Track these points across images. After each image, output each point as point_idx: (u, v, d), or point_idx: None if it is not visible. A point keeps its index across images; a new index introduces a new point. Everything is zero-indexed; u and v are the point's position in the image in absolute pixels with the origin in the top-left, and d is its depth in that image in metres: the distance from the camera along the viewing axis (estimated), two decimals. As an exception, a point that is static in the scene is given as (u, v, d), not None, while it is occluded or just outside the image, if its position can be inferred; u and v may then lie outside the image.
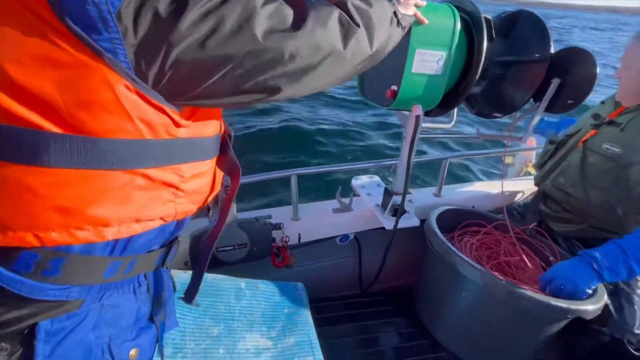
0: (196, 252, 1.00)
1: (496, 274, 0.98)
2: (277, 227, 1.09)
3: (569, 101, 0.97)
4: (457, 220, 1.25)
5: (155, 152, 0.39)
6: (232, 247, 1.00)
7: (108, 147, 0.36)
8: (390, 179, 1.68)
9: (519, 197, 1.62)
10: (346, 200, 1.28)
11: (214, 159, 0.51)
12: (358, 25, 0.47)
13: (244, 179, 1.12)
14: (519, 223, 1.25)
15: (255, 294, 0.87)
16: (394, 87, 0.89)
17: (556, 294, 0.93)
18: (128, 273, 0.45)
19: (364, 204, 1.30)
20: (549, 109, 1.00)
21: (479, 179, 1.60)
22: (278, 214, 1.16)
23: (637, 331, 0.98)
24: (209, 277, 0.83)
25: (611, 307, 1.00)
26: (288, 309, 0.88)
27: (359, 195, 1.35)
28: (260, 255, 1.10)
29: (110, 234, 0.40)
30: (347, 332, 1.18)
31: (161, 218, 0.45)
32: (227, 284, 0.84)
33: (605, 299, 0.95)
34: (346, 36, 0.45)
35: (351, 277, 1.45)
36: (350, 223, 1.29)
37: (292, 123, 4.16)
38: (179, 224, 0.51)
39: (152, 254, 0.48)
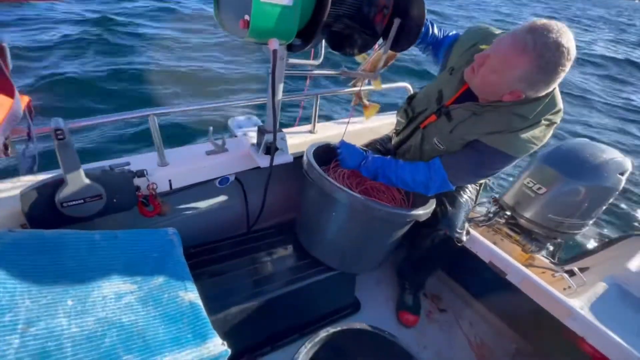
0: (34, 210, 0.86)
1: (360, 195, 1.15)
2: (140, 174, 1.01)
3: (402, 44, 1.10)
4: (331, 155, 1.37)
5: None
6: (82, 201, 0.89)
7: None
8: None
9: (386, 132, 1.86)
10: (219, 142, 1.25)
11: None
12: None
13: (90, 121, 0.97)
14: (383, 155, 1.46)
15: (115, 244, 0.81)
16: (247, 17, 0.85)
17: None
18: None
19: (242, 144, 1.29)
20: (392, 48, 1.12)
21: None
22: (139, 161, 1.06)
23: (459, 230, 1.30)
24: (47, 232, 0.74)
25: (441, 211, 1.29)
26: (157, 254, 0.86)
27: (236, 136, 1.33)
28: (125, 207, 1.02)
29: None
30: (235, 266, 1.24)
31: None
32: (74, 237, 0.76)
33: (433, 206, 1.22)
34: None
35: (238, 218, 1.49)
36: (227, 164, 1.28)
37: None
38: None
39: None
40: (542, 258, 1.62)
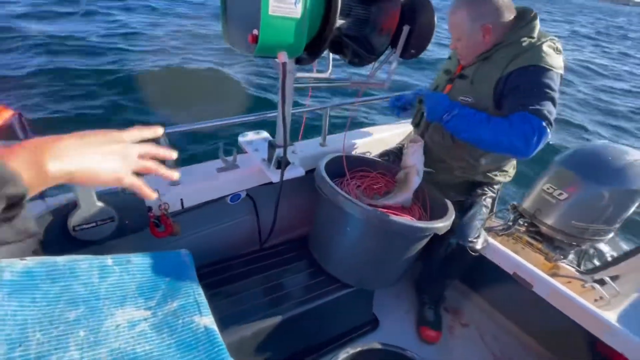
0: (47, 235, 0.85)
1: (373, 207, 1.11)
2: (151, 194, 0.99)
3: (413, 50, 1.08)
4: (343, 167, 1.34)
5: None
6: (94, 224, 0.87)
7: None
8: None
9: (396, 141, 1.83)
10: (230, 158, 1.23)
11: None
12: None
13: None
14: (395, 165, 1.43)
15: (127, 269, 0.79)
16: (255, 32, 0.84)
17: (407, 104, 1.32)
18: None
19: (252, 160, 1.28)
20: (401, 55, 1.10)
21: (362, 126, 1.72)
22: (151, 181, 1.04)
23: (473, 239, 1.25)
24: (59, 259, 0.72)
25: (453, 221, 1.25)
26: (170, 277, 0.84)
27: (245, 152, 1.31)
28: (137, 228, 1.00)
29: None
30: (250, 285, 1.20)
31: None
32: (87, 264, 0.74)
33: (452, 218, 1.17)
34: None
35: (250, 234, 1.47)
36: (239, 181, 1.26)
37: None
38: None
39: None
40: (567, 267, 1.54)
